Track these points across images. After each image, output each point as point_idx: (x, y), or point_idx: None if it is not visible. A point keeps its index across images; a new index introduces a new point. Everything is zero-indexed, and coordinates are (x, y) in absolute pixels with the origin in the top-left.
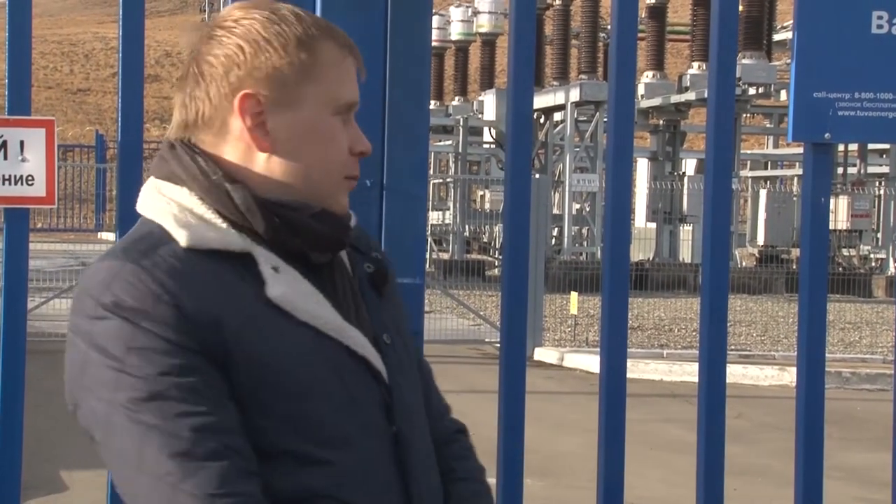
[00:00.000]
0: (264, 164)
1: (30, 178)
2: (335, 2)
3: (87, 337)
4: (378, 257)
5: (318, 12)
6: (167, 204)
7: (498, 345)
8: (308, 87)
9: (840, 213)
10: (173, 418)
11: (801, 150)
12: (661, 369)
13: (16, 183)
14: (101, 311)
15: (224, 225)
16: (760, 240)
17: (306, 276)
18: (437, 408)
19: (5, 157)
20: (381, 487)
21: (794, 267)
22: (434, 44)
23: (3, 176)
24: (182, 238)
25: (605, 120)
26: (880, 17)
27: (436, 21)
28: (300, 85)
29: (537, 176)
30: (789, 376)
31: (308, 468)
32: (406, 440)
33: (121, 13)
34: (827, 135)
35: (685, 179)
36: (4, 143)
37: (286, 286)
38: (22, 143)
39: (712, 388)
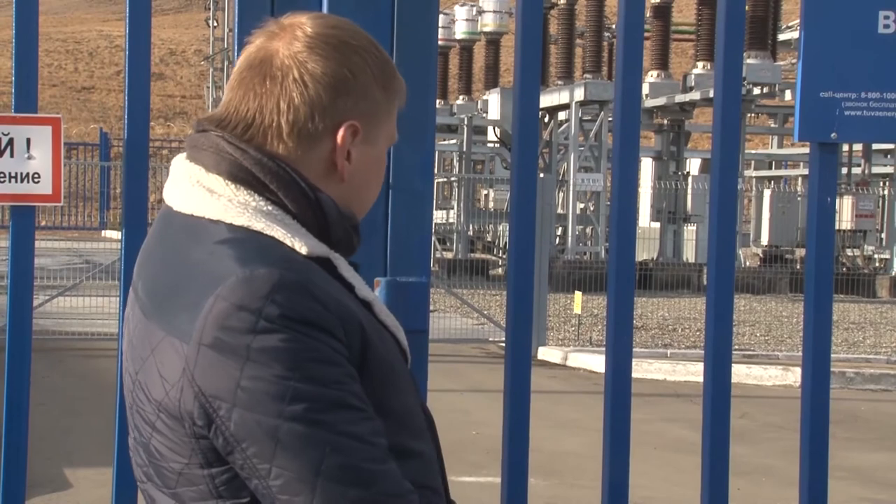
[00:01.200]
0: (335, 185)
1: (36, 175)
2: (342, 0)
3: (243, 352)
4: None
5: (325, 10)
6: (254, 210)
7: (502, 344)
8: (385, 126)
9: (844, 213)
10: (352, 425)
11: (805, 149)
12: (665, 369)
13: (22, 181)
14: (263, 323)
15: (302, 230)
16: (764, 240)
17: None
18: None
19: (12, 155)
20: (443, 474)
21: (798, 267)
22: (439, 43)
23: (10, 173)
24: (302, 247)
25: (611, 119)
26: (887, 18)
27: (440, 20)
28: (382, 123)
29: (541, 175)
30: (793, 376)
31: (409, 460)
32: (434, 432)
33: (127, 11)
34: (833, 134)
35: (689, 179)
36: (11, 140)
37: (367, 288)
38: (28, 140)
39: (717, 389)
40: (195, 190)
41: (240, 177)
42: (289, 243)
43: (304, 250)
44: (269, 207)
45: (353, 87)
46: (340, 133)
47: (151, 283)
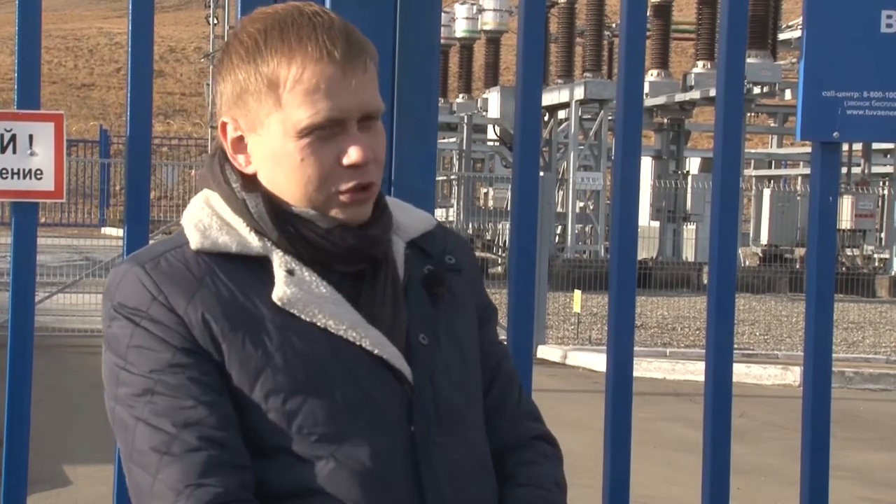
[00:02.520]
0: (258, 181)
1: (38, 172)
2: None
3: (105, 338)
4: (448, 260)
5: (328, 4)
6: (201, 209)
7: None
8: (273, 113)
9: (844, 212)
10: (158, 413)
11: (804, 149)
12: (664, 368)
13: (24, 177)
14: (112, 312)
15: (246, 229)
16: (764, 239)
17: (340, 279)
18: (514, 412)
19: (14, 151)
20: (385, 487)
21: (798, 266)
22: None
23: (12, 170)
24: (193, 241)
25: (611, 118)
26: (889, 17)
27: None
28: (261, 111)
29: (541, 174)
30: (792, 375)
31: (303, 464)
32: (424, 441)
33: (130, 7)
34: (835, 134)
35: (689, 178)
36: (13, 137)
37: (297, 288)
38: (31, 137)
39: (718, 388)
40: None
41: (208, 183)
42: (188, 237)
43: (194, 245)
44: (223, 206)
45: (223, 81)
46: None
47: None
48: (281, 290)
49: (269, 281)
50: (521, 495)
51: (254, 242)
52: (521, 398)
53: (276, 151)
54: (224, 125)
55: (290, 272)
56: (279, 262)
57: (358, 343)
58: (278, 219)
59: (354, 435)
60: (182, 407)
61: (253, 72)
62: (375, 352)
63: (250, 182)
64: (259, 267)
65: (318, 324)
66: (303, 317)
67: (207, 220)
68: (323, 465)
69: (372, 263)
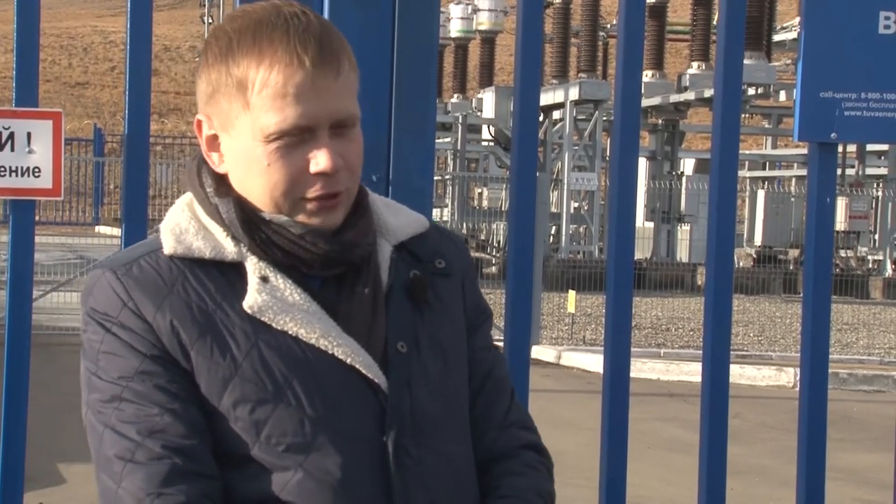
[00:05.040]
0: (230, 183)
1: (36, 169)
2: None
3: (81, 343)
4: (438, 264)
5: (326, 8)
6: (181, 212)
7: (496, 341)
8: (243, 115)
9: (838, 214)
10: (124, 420)
11: (799, 150)
12: (659, 368)
13: (23, 175)
14: (86, 317)
15: (223, 234)
16: (758, 240)
17: (322, 284)
18: (502, 421)
19: (12, 149)
20: (354, 498)
21: (792, 268)
22: None
23: (10, 167)
24: (167, 246)
25: (606, 119)
26: (887, 18)
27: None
28: (233, 112)
29: (536, 174)
30: (786, 376)
31: (269, 474)
32: (397, 451)
33: (129, 6)
34: (833, 135)
35: (683, 179)
36: (12, 134)
37: (269, 296)
38: (29, 134)
39: (715, 388)
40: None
41: (185, 186)
42: (163, 242)
43: (167, 250)
44: (200, 211)
45: (199, 78)
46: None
47: None
48: (252, 298)
49: (244, 287)
50: None
51: (229, 248)
52: (511, 406)
53: (245, 154)
54: (199, 122)
55: (264, 279)
56: (253, 268)
57: (330, 352)
58: (249, 225)
59: (323, 445)
60: (148, 415)
61: (224, 72)
62: (348, 361)
63: (224, 185)
64: (234, 273)
65: (290, 332)
66: (273, 325)
67: (185, 223)
68: (291, 476)
69: (352, 268)
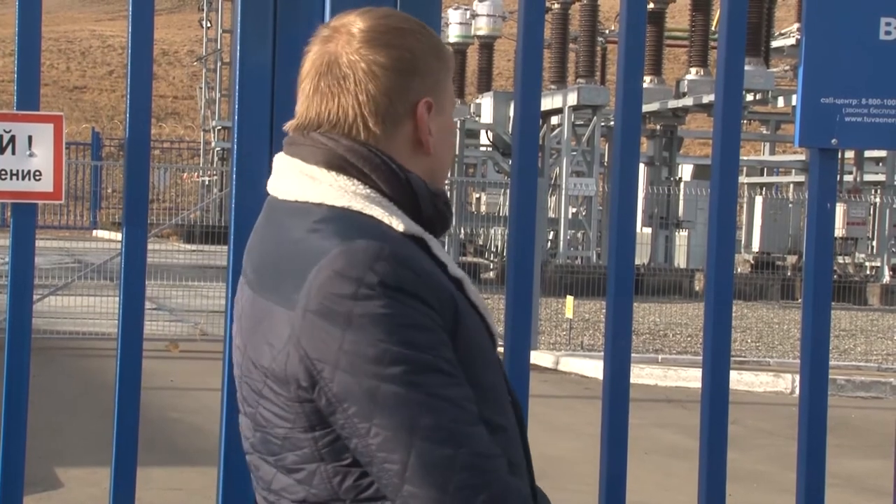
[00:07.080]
0: (422, 161)
1: (37, 173)
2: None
3: (345, 317)
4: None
5: (328, 9)
6: (361, 199)
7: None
8: (447, 94)
9: (836, 220)
10: (445, 388)
11: (797, 156)
12: (657, 374)
13: (23, 178)
14: (364, 290)
15: (400, 212)
16: (756, 246)
17: None
18: None
19: (13, 152)
20: (524, 448)
21: (790, 274)
22: None
23: (11, 171)
24: (399, 224)
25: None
26: (888, 24)
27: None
28: (445, 92)
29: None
30: (784, 382)
31: (493, 434)
32: (518, 404)
33: (130, 10)
34: (834, 140)
35: (681, 185)
36: (13, 138)
37: (456, 268)
38: (30, 138)
39: (715, 394)
40: (298, 178)
41: (336, 164)
42: (387, 221)
43: (400, 228)
44: (367, 191)
45: (417, 66)
46: (419, 111)
47: (258, 261)
48: (457, 269)
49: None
50: None
51: (415, 223)
52: None
53: (450, 125)
54: (428, 104)
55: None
56: (434, 242)
57: (489, 324)
58: (433, 199)
59: (504, 404)
60: (460, 383)
61: (438, 52)
62: (492, 329)
63: (403, 167)
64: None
65: (475, 301)
66: (472, 297)
67: (371, 205)
68: (503, 435)
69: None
